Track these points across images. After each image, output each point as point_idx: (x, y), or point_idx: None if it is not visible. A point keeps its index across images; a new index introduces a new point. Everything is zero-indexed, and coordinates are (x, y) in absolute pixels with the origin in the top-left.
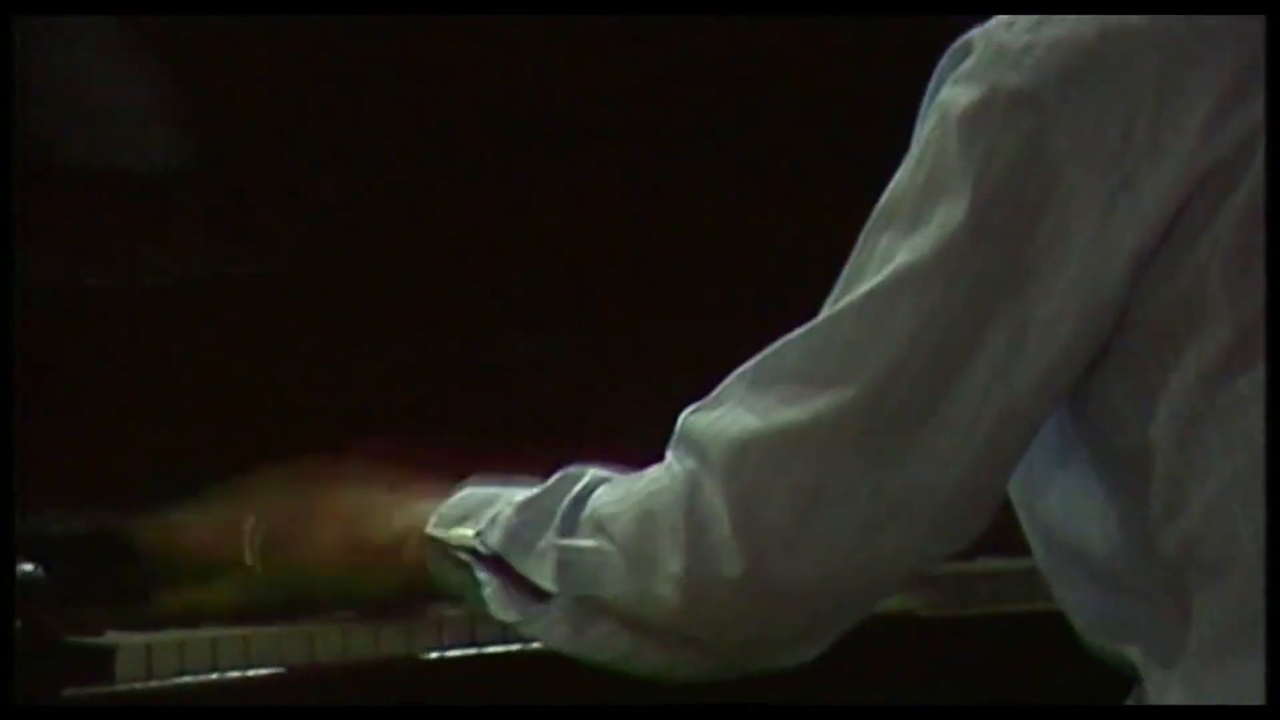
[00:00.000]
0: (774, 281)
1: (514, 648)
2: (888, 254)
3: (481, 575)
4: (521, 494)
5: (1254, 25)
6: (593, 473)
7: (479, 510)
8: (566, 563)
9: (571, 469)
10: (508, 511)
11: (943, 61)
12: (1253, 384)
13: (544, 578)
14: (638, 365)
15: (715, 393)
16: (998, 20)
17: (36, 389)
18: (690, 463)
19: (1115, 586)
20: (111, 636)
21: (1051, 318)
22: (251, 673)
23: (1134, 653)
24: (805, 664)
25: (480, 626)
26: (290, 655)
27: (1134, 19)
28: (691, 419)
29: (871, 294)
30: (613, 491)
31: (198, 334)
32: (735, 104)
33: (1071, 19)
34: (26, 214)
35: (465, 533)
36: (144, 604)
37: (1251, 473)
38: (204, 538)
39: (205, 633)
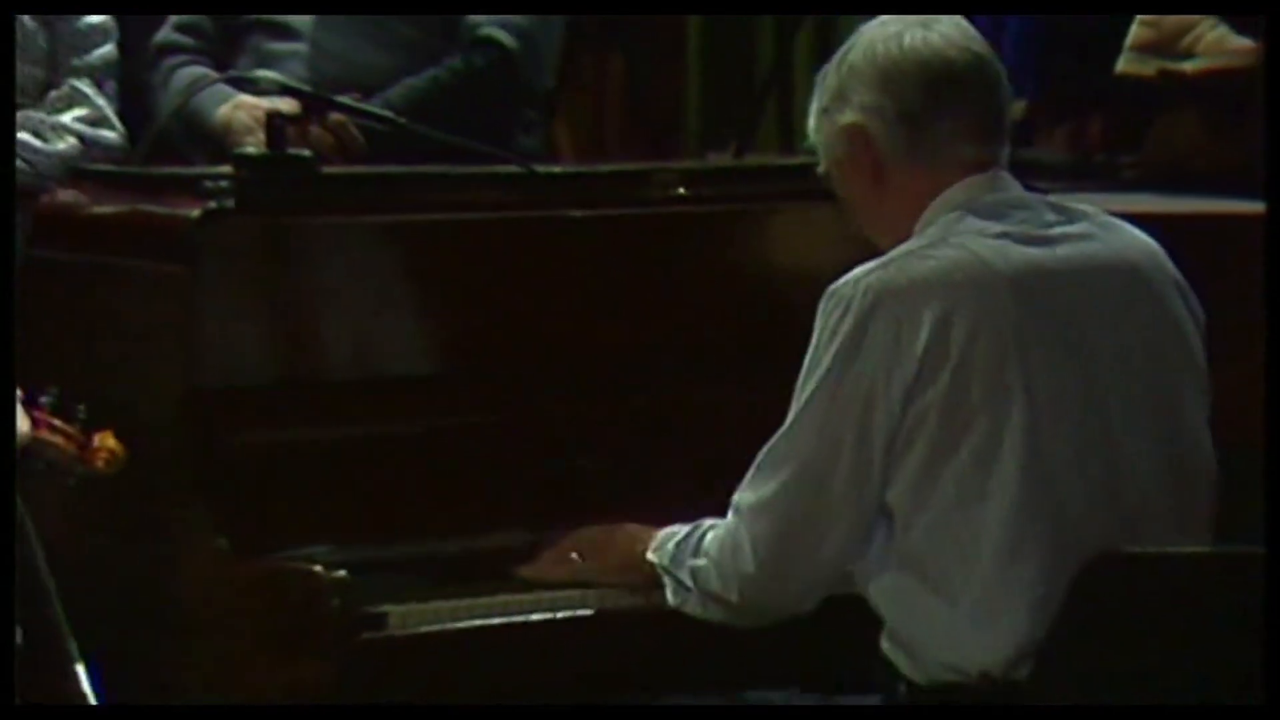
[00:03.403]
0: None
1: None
2: (799, 402)
3: (665, 579)
4: (681, 533)
5: (957, 281)
6: (710, 522)
7: (666, 543)
8: (694, 572)
9: (703, 520)
10: (670, 545)
11: (822, 300)
12: (951, 467)
13: (686, 579)
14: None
15: (744, 480)
16: (844, 279)
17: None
18: (735, 517)
19: (881, 585)
20: (385, 606)
21: (877, 428)
22: (462, 625)
23: (880, 600)
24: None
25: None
26: (486, 615)
27: (901, 280)
28: (736, 495)
29: (790, 424)
30: (714, 532)
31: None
32: None
33: (876, 274)
34: None
35: (657, 557)
36: (405, 588)
37: (947, 512)
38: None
39: (436, 604)
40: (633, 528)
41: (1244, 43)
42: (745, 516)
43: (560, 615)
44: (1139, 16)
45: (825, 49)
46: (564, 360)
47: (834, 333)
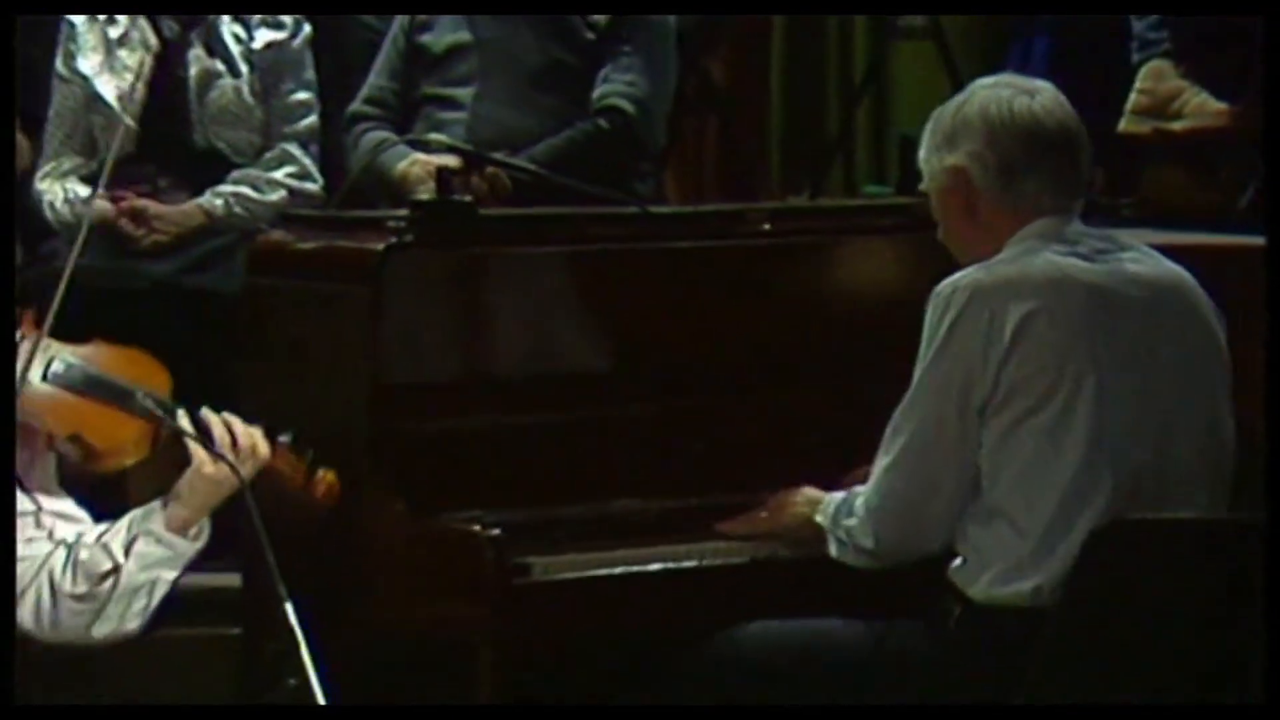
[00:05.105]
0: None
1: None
2: (914, 382)
3: (829, 538)
4: (840, 498)
5: (1041, 283)
6: (860, 488)
7: (828, 507)
8: (848, 530)
9: (856, 487)
10: (831, 508)
11: (929, 299)
12: (1031, 431)
13: (843, 535)
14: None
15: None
16: (946, 281)
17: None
18: (872, 479)
19: (966, 535)
20: (530, 558)
21: (975, 398)
22: (592, 573)
23: (966, 532)
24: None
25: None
26: (611, 566)
27: (992, 281)
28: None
29: (908, 402)
30: (861, 496)
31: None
32: None
33: (972, 276)
34: None
35: (821, 519)
36: (546, 544)
37: (1019, 477)
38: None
39: (572, 556)
40: (811, 492)
41: (1222, 106)
42: (878, 478)
43: (670, 566)
44: (1137, 86)
45: (881, 115)
46: (672, 363)
47: (939, 324)
